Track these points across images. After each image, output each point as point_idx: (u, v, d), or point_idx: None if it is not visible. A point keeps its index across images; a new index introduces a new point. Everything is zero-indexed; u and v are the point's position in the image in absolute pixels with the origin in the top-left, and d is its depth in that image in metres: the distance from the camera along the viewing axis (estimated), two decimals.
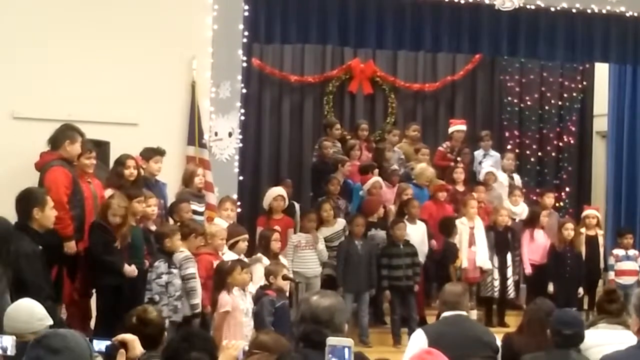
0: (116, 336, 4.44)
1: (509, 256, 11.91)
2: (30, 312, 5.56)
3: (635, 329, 4.92)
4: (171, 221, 9.46)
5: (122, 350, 4.27)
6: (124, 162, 9.16)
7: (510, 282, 11.90)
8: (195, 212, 9.74)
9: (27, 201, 7.31)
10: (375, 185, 11.90)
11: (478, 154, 13.81)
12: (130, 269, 8.36)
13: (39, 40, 9.99)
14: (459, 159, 13.33)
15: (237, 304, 8.42)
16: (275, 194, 11.24)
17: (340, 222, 11.44)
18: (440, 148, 13.59)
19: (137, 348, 4.43)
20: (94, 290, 8.61)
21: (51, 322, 5.54)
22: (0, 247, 6.58)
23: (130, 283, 8.36)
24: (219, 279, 8.47)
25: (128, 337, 4.43)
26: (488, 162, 13.52)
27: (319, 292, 4.70)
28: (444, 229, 11.56)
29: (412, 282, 11.09)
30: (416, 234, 11.48)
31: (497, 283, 11.75)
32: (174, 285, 8.41)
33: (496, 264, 11.79)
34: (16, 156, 9.30)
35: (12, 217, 7.27)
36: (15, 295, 6.28)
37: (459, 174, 12.63)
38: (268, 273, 8.96)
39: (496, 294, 11.81)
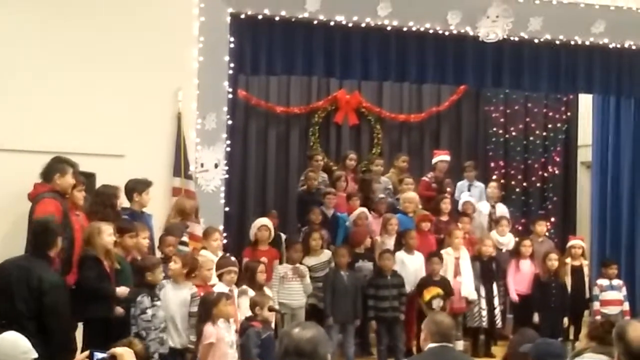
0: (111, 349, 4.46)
1: (494, 286, 11.91)
2: (14, 344, 5.51)
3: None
4: (158, 253, 9.43)
5: None
6: (116, 194, 9.14)
7: (497, 311, 11.90)
8: (180, 243, 9.75)
9: (52, 231, 7.58)
10: (361, 216, 11.92)
11: (461, 184, 13.86)
12: (122, 290, 8.31)
13: (24, 72, 9.99)
14: (448, 189, 13.36)
15: (222, 335, 8.39)
16: (260, 224, 11.25)
17: (327, 253, 11.44)
18: (424, 178, 13.63)
19: None
20: (79, 323, 8.54)
21: (35, 355, 5.50)
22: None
23: (117, 318, 8.32)
24: (204, 310, 8.43)
25: (122, 350, 4.43)
26: (474, 192, 13.58)
27: (300, 323, 4.66)
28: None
29: (398, 312, 11.09)
30: (413, 264, 11.53)
31: (484, 313, 11.74)
32: (158, 317, 8.36)
33: (483, 294, 11.79)
34: (0, 188, 9.29)
35: None
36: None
37: (447, 205, 12.66)
38: (254, 304, 8.94)
39: (484, 324, 11.79)
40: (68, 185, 8.66)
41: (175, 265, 8.87)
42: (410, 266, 11.47)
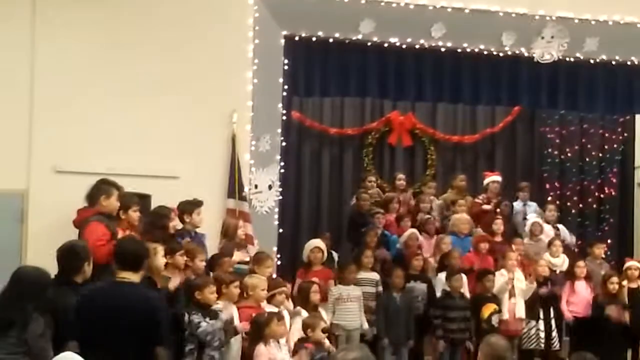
0: None
1: (551, 308, 11.74)
2: None
3: None
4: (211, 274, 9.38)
5: None
6: (167, 215, 9.11)
7: (554, 334, 11.72)
8: (241, 262, 9.71)
9: (75, 254, 7.11)
10: (412, 237, 11.88)
11: (517, 205, 13.71)
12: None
13: (83, 97, 10.13)
14: (497, 210, 13.23)
15: (274, 355, 8.34)
16: (313, 245, 11.20)
17: (375, 275, 11.35)
18: (476, 200, 13.49)
19: None
20: None
21: None
22: (37, 299, 6.56)
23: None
24: (256, 330, 8.38)
25: None
26: (533, 213, 13.43)
27: (345, 347, 4.64)
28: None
29: (466, 334, 10.96)
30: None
31: (541, 335, 11.56)
32: (211, 334, 8.21)
33: (540, 316, 11.62)
34: (58, 210, 9.32)
35: (49, 267, 7.17)
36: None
37: (499, 225, 12.52)
38: (306, 326, 8.89)
39: (541, 346, 11.61)
40: (114, 208, 8.61)
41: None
42: None
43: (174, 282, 8.27)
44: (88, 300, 6.45)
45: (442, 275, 11.38)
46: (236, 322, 8.58)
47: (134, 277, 6.52)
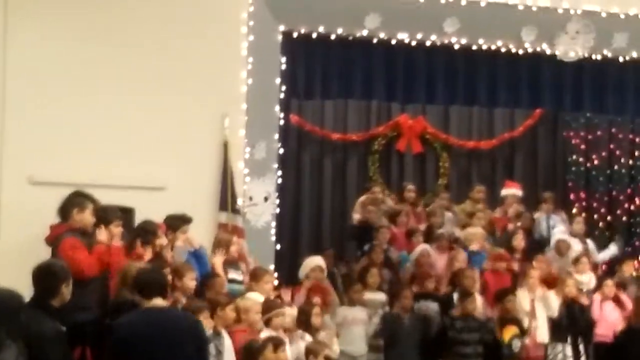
0: None
1: (579, 331, 11.70)
2: None
3: None
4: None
5: None
6: (154, 231, 9.02)
7: (583, 359, 11.67)
8: (233, 281, 9.66)
9: (52, 274, 6.94)
10: (424, 254, 11.81)
11: (538, 217, 13.67)
12: None
13: (57, 98, 10.08)
14: (518, 224, 13.18)
15: None
16: (313, 264, 11.09)
17: (382, 295, 11.31)
18: (495, 216, 13.45)
19: None
20: None
21: None
22: (10, 323, 6.50)
23: None
24: (248, 359, 8.31)
25: None
26: (560, 227, 13.38)
27: None
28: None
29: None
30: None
31: None
32: None
33: (568, 340, 11.57)
34: (32, 225, 9.25)
35: (24, 287, 7.13)
36: None
37: (519, 241, 12.46)
38: (308, 352, 8.83)
39: None
40: (88, 223, 8.43)
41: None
42: None
43: None
44: (132, 332, 6.63)
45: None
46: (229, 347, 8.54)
47: (164, 303, 6.85)
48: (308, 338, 9.36)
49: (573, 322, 11.68)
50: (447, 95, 12.16)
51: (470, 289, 11.26)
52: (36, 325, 6.61)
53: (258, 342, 8.41)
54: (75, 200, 8.50)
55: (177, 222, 9.37)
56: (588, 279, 12.34)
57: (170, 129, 10.32)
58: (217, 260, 9.52)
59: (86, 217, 8.42)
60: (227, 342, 8.51)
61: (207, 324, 8.31)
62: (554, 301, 11.48)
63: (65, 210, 8.45)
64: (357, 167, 14.82)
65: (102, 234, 8.32)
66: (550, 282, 11.99)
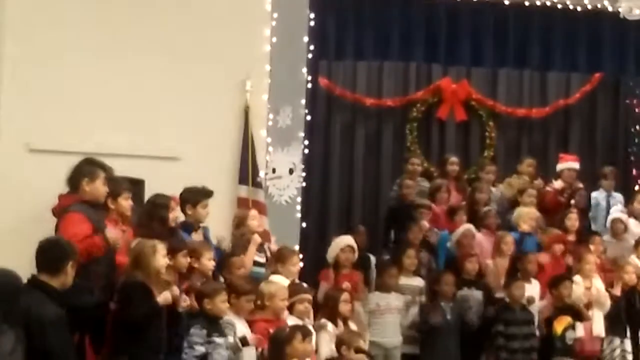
0: None
1: None
2: None
3: None
4: (221, 279, 9.32)
5: None
6: (167, 205, 9.04)
7: None
8: (256, 263, 9.71)
9: (61, 250, 7.06)
10: (467, 234, 11.81)
11: (597, 195, 13.64)
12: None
13: (60, 59, 10.09)
14: (572, 202, 13.15)
15: None
16: (343, 244, 11.13)
17: (419, 281, 11.34)
18: (548, 189, 13.42)
19: None
20: None
21: None
22: (8, 307, 6.57)
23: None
24: (275, 350, 8.37)
25: None
26: (617, 206, 13.35)
27: None
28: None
29: (530, 356, 10.93)
30: (531, 294, 11.32)
31: (629, 357, 11.51)
32: (213, 357, 8.21)
33: (627, 334, 11.57)
34: (32, 195, 9.37)
35: (22, 266, 7.17)
36: None
37: (573, 221, 12.44)
38: (340, 342, 8.90)
39: None
40: (100, 194, 8.48)
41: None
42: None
43: (165, 296, 8.06)
44: None
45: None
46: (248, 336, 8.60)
47: None
48: (330, 328, 9.41)
49: (632, 314, 11.68)
50: (495, 57, 12.12)
51: (530, 275, 11.29)
52: (36, 308, 6.70)
53: (285, 331, 8.48)
54: (85, 168, 8.51)
55: (197, 196, 9.41)
56: None
57: (184, 92, 10.30)
58: (251, 249, 9.57)
59: (97, 187, 8.45)
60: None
61: (224, 308, 8.40)
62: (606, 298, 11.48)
63: (74, 180, 8.48)
64: (393, 137, 14.83)
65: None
66: (608, 268, 11.99)
